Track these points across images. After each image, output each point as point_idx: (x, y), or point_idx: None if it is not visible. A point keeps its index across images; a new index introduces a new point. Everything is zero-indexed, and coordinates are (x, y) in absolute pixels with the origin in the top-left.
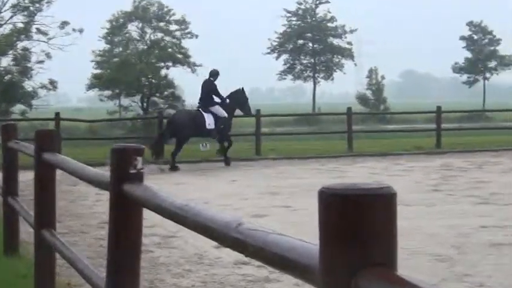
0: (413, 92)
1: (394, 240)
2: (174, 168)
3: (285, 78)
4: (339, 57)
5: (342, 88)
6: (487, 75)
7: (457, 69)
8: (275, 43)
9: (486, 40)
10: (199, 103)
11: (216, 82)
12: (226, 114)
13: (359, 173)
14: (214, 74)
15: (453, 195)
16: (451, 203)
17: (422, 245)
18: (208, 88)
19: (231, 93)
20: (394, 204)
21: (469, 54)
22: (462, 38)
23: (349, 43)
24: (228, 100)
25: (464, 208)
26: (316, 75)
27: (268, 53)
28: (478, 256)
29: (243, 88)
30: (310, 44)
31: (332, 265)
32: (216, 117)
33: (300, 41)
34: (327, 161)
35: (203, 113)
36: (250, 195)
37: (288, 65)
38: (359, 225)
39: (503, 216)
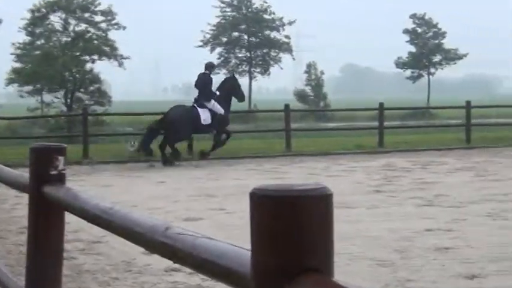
0: (355, 87)
1: (331, 244)
2: (167, 162)
3: (218, 73)
4: (276, 51)
5: (280, 84)
6: (432, 70)
7: (401, 63)
8: (208, 35)
9: (430, 33)
10: (195, 99)
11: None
12: (223, 111)
13: (297, 174)
14: (209, 66)
15: (396, 197)
16: (394, 205)
17: (364, 249)
18: (204, 82)
19: (224, 82)
20: (331, 206)
21: (412, 48)
22: (405, 31)
23: (287, 36)
24: (218, 92)
25: (407, 210)
26: (252, 69)
27: (201, 46)
28: (422, 261)
29: (233, 74)
30: (246, 37)
31: (264, 271)
32: (212, 113)
33: (235, 34)
34: (263, 161)
35: (198, 108)
36: (182, 198)
37: (222, 59)
38: (292, 228)
39: (448, 218)
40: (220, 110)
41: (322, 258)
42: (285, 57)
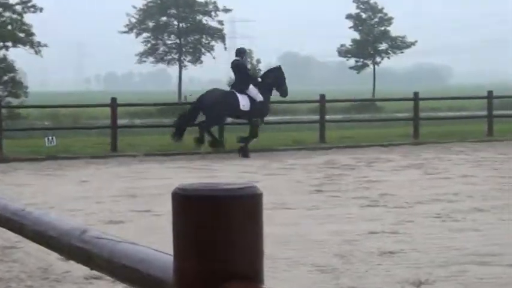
0: (294, 78)
1: (260, 248)
2: (217, 143)
3: (145, 61)
4: (209, 38)
5: (213, 74)
6: (377, 59)
7: (344, 52)
8: (134, 20)
9: (376, 19)
10: (232, 85)
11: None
12: (262, 98)
13: (231, 172)
14: (241, 52)
15: (338, 197)
16: (336, 206)
17: (303, 254)
18: (239, 69)
19: (268, 71)
20: (260, 206)
21: (357, 35)
22: (349, 16)
23: (221, 22)
24: (259, 79)
25: (350, 211)
26: (183, 58)
27: (126, 32)
28: (366, 266)
29: (280, 66)
30: (176, 22)
31: (187, 278)
32: (251, 99)
33: (164, 18)
34: (194, 158)
35: (237, 93)
36: (105, 199)
37: (148, 46)
38: (217, 231)
39: (394, 220)
40: (259, 96)
41: (250, 264)
42: (218, 45)
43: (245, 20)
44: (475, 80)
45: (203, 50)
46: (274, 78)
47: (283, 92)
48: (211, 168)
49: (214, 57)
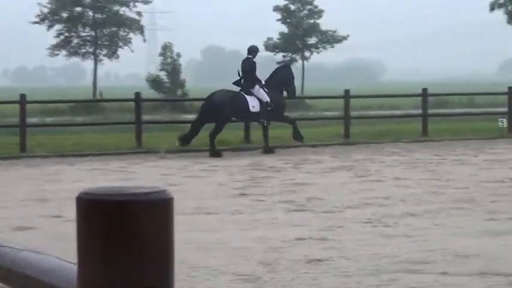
0: (218, 73)
1: (170, 256)
2: (215, 154)
3: (57, 55)
4: (126, 30)
5: (132, 69)
6: (307, 53)
7: (271, 46)
8: (46, 10)
9: (305, 11)
10: (239, 84)
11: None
12: (268, 99)
13: (149, 175)
14: (252, 50)
15: (264, 201)
16: (261, 211)
17: (226, 262)
18: (248, 68)
19: (277, 69)
20: (171, 212)
21: (285, 29)
22: (276, 8)
23: (139, 13)
24: (263, 82)
25: (276, 216)
26: (98, 51)
27: (37, 22)
28: (292, 274)
29: (289, 64)
30: (91, 13)
31: None
32: (260, 100)
33: (78, 9)
34: (111, 159)
35: (245, 95)
36: (12, 203)
37: (61, 38)
38: (123, 239)
39: (322, 225)
40: (265, 97)
41: (159, 275)
42: (136, 37)
43: (166, 12)
44: (410, 77)
45: (120, 43)
46: (283, 77)
47: (291, 92)
48: (128, 171)
49: (132, 51)
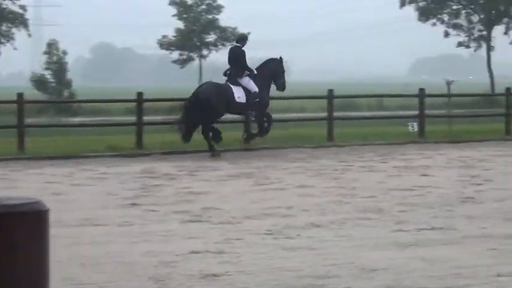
0: (110, 73)
1: (45, 270)
2: (215, 153)
3: None
4: (9, 25)
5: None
6: (204, 52)
7: (166, 44)
8: None
9: (203, 6)
10: (227, 75)
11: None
12: (257, 89)
13: (31, 183)
14: (242, 38)
15: (156, 211)
16: (154, 222)
17: (114, 277)
18: (236, 56)
19: (267, 61)
20: (45, 224)
21: (181, 25)
22: (172, 2)
23: (23, 7)
24: (255, 72)
25: (169, 228)
26: None
27: None
28: None
29: (281, 57)
30: None
31: None
32: (246, 91)
33: None
34: None
35: (231, 85)
36: None
37: None
38: None
39: (219, 238)
40: (253, 87)
41: (33, 286)
42: (20, 33)
43: (52, 5)
44: (317, 77)
45: (2, 39)
46: (273, 70)
47: (280, 86)
48: (10, 178)
49: (15, 48)
